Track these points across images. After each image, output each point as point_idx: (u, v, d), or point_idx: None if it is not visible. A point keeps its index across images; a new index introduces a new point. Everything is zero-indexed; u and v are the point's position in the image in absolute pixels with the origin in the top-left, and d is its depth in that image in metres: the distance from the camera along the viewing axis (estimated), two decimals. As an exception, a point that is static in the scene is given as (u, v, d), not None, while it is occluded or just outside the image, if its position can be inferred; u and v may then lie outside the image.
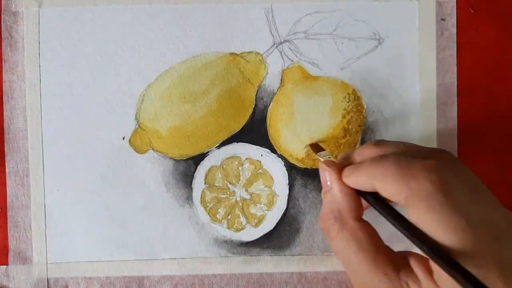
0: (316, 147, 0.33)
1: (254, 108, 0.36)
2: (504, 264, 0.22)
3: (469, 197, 0.24)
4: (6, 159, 0.35)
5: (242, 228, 0.36)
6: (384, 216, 0.26)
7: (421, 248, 0.23)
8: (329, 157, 0.30)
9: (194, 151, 0.36)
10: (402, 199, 0.24)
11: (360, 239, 0.26)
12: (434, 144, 0.35)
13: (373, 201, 0.27)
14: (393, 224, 0.25)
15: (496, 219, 0.24)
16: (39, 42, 0.35)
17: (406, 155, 0.26)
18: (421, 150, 0.28)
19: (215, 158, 0.36)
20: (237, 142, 0.36)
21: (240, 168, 0.36)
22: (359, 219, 0.27)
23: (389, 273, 0.25)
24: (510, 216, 0.24)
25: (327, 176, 0.28)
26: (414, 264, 0.25)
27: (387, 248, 0.26)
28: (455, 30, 0.35)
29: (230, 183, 0.36)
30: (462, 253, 0.22)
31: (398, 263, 0.25)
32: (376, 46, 0.35)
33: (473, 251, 0.22)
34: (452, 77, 0.35)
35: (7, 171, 0.35)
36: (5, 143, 0.35)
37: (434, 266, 0.24)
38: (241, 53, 0.36)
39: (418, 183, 0.24)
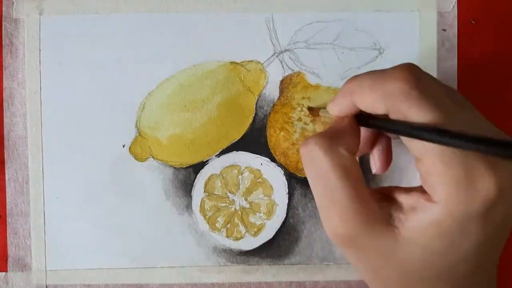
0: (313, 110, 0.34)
1: (254, 117, 0.36)
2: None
3: (444, 93, 0.24)
4: (6, 166, 0.35)
5: (241, 237, 0.36)
6: (384, 129, 0.25)
7: (421, 135, 0.22)
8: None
9: (194, 159, 0.36)
10: (382, 105, 0.24)
11: (349, 168, 0.24)
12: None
13: (367, 119, 0.26)
14: (394, 131, 0.24)
15: (471, 121, 0.24)
16: (40, 50, 0.35)
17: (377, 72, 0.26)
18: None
19: (214, 166, 0.36)
20: (237, 150, 0.36)
21: (239, 176, 0.36)
22: (352, 152, 0.25)
23: (370, 205, 0.24)
24: (484, 122, 0.25)
25: (339, 118, 0.27)
26: (397, 194, 0.24)
27: (367, 187, 0.25)
28: (456, 41, 0.35)
29: (230, 192, 0.36)
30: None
31: (378, 198, 0.25)
32: (377, 56, 0.35)
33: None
34: (452, 88, 0.35)
35: (6, 178, 0.35)
36: (5, 150, 0.35)
37: (426, 169, 0.23)
38: (241, 62, 0.36)
39: (393, 84, 0.23)
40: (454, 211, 0.22)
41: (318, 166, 0.24)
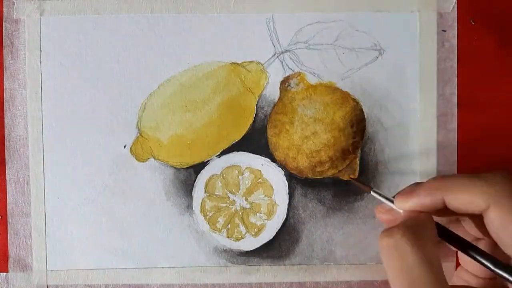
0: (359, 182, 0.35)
1: (254, 117, 0.36)
2: None
3: None
4: (7, 166, 0.35)
5: (242, 237, 0.36)
6: (467, 253, 0.28)
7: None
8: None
9: (194, 160, 0.36)
10: (481, 202, 0.26)
11: (434, 261, 0.26)
12: (434, 156, 0.35)
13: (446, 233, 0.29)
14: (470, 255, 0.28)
15: None
16: (41, 50, 0.35)
17: None
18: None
19: (215, 166, 0.36)
20: (238, 151, 0.36)
21: (240, 177, 0.36)
22: (435, 244, 0.27)
23: None
24: None
25: (404, 201, 0.29)
26: None
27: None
28: (455, 42, 0.36)
29: (230, 192, 0.36)
30: None
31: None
32: (377, 57, 0.36)
33: None
34: (452, 88, 0.36)
35: (7, 178, 0.35)
36: (5, 151, 0.35)
37: None
38: (242, 63, 0.36)
39: (498, 186, 0.26)
40: None
41: (404, 259, 0.25)
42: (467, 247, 0.28)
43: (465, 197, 0.27)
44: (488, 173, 0.27)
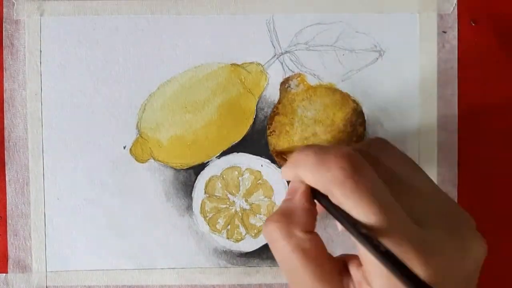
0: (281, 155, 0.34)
1: (254, 119, 0.36)
2: (425, 246, 0.22)
3: (381, 184, 0.24)
4: (6, 167, 0.35)
5: (242, 239, 0.36)
6: (329, 211, 0.25)
7: (352, 234, 0.23)
8: None
9: (194, 161, 0.36)
10: (321, 187, 0.24)
11: (308, 250, 0.24)
12: (434, 157, 0.35)
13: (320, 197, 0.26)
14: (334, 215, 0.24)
15: (416, 205, 0.24)
16: (41, 51, 0.35)
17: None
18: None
19: (215, 168, 0.36)
20: (238, 152, 0.36)
21: (240, 178, 0.36)
22: (308, 231, 0.25)
23: (333, 281, 0.24)
24: (436, 203, 0.24)
25: (296, 186, 0.27)
26: (351, 266, 0.25)
27: (330, 256, 0.25)
28: (456, 43, 0.35)
29: (230, 193, 0.36)
30: (379, 233, 0.22)
31: (340, 269, 0.25)
32: (377, 58, 0.36)
33: (388, 232, 0.22)
34: (452, 90, 0.35)
35: (7, 179, 0.35)
36: (5, 152, 0.35)
37: (362, 258, 0.23)
38: (242, 64, 0.36)
39: (330, 171, 0.23)
40: None
41: (279, 249, 0.25)
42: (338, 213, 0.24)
43: (310, 178, 0.24)
44: (332, 150, 0.24)
